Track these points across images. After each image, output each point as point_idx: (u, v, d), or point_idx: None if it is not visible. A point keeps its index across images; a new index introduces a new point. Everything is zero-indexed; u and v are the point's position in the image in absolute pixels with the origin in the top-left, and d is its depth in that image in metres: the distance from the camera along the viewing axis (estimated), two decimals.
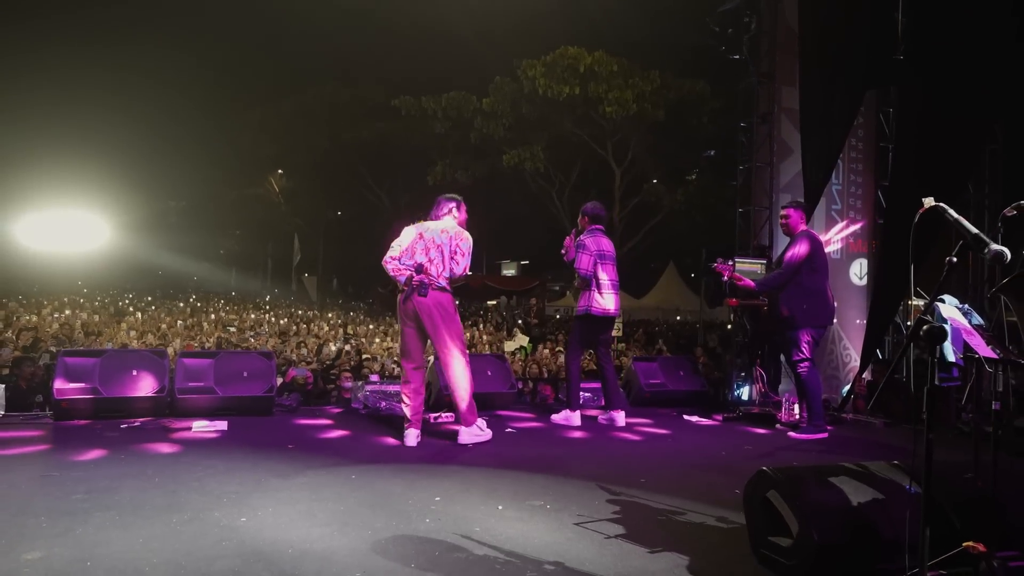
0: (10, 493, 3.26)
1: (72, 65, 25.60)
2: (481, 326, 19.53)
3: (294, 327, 15.42)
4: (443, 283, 4.86)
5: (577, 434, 5.48)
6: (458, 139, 22.23)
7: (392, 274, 4.88)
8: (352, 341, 12.90)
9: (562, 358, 12.02)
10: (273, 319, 17.53)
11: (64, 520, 2.83)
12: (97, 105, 26.57)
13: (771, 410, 6.42)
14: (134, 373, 5.49)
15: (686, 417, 6.34)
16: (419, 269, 4.77)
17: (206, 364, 5.77)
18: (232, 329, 14.00)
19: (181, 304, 21.38)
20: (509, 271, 35.90)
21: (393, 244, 4.95)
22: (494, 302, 30.33)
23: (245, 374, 5.81)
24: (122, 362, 5.58)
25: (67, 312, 14.83)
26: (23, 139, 24.96)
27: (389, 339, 14.16)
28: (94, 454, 4.15)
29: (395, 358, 11.40)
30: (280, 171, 34.25)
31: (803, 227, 5.76)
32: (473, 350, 14.29)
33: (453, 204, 5.11)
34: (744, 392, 7.43)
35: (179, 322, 14.88)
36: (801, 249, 5.57)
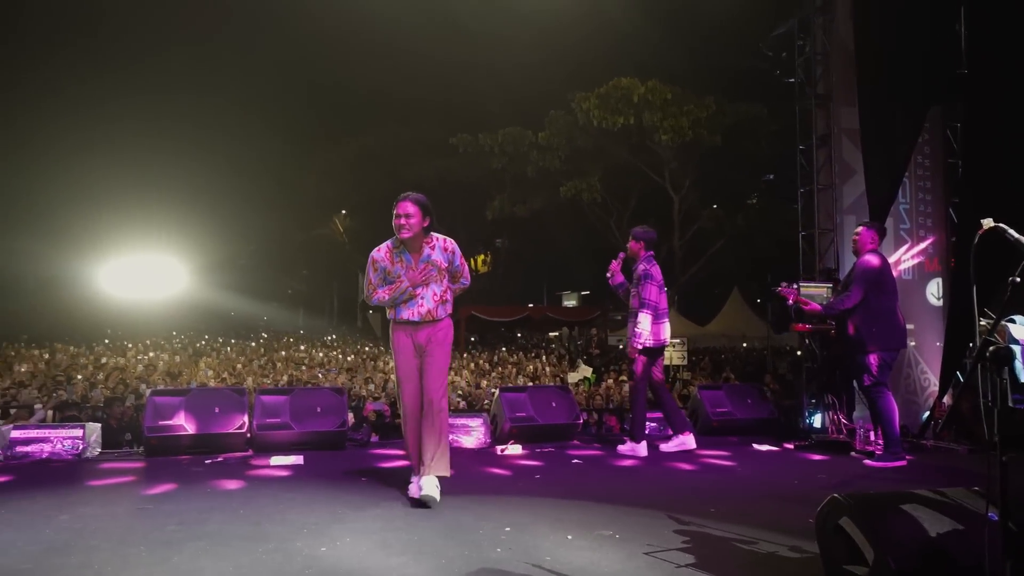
0: (111, 524, 3.49)
1: (149, 116, 27.16)
2: (544, 357, 19.58)
3: (361, 363, 15.80)
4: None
5: (644, 465, 5.46)
6: (515, 173, 22.58)
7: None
8: None
9: (626, 388, 11.97)
10: (340, 356, 18.01)
11: (161, 550, 3.03)
12: (175, 155, 28.03)
13: (845, 438, 6.25)
14: (217, 410, 5.77)
15: (755, 446, 6.23)
16: None
17: (282, 400, 6.02)
18: (303, 367, 14.45)
19: (253, 344, 22.19)
20: (570, 302, 35.90)
21: None
22: (556, 333, 30.35)
23: (319, 409, 6.03)
24: (206, 400, 5.88)
25: (151, 354, 15.61)
26: (108, 189, 26.45)
27: (452, 372, 14.37)
28: (183, 488, 4.39)
29: (458, 392, 11.57)
30: (344, 211, 35.38)
31: (871, 247, 5.66)
32: (536, 382, 14.35)
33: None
34: (816, 419, 7.24)
35: (253, 361, 15.46)
36: (867, 269, 5.48)
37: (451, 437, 6.39)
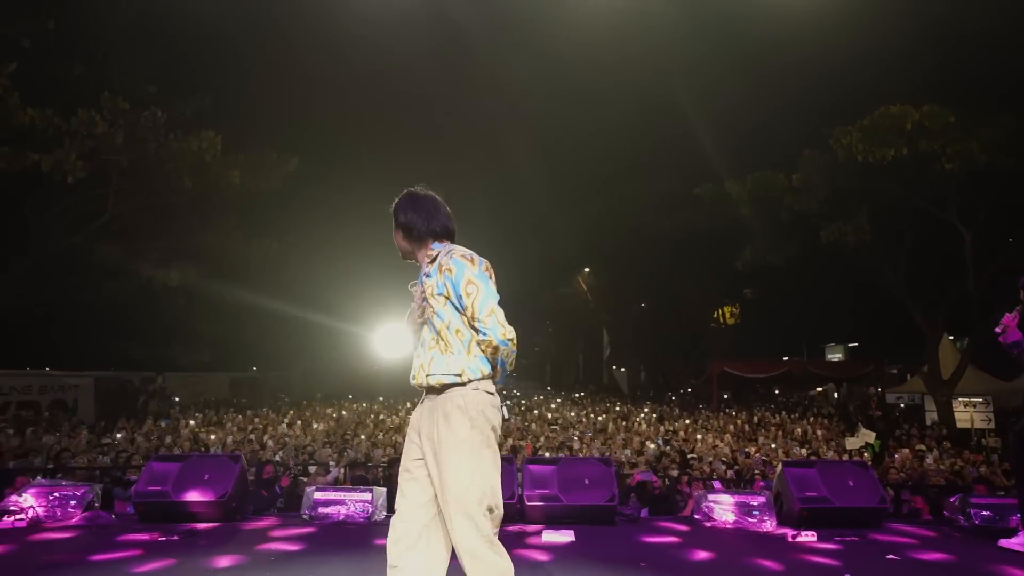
0: None
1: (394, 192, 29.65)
2: (811, 419, 17.73)
3: (613, 423, 15.50)
4: None
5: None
6: (766, 219, 21.18)
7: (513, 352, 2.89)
8: (672, 440, 12.50)
9: (929, 459, 10.21)
10: (591, 414, 17.89)
11: None
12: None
13: None
14: None
15: None
16: None
17: (549, 471, 5.88)
18: (556, 427, 14.52)
19: (508, 402, 23.02)
20: (835, 355, 32.49)
21: (495, 292, 2.92)
22: (820, 390, 27.57)
23: (587, 481, 5.79)
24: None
25: None
26: (378, 262, 29.39)
27: (711, 436, 13.46)
28: None
29: (722, 458, 10.70)
30: (587, 269, 36.00)
31: None
32: (807, 447, 12.88)
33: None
34: None
35: (513, 420, 15.92)
36: None
37: (733, 517, 5.77)
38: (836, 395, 26.27)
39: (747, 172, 21.29)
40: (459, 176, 27.29)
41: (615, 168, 27.72)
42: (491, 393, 2.85)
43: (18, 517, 5.24)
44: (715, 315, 35.02)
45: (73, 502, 5.45)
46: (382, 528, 5.49)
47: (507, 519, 5.55)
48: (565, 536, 5.08)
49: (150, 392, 20.38)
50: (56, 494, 5.46)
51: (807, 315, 28.37)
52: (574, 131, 26.92)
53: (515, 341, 2.84)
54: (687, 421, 16.51)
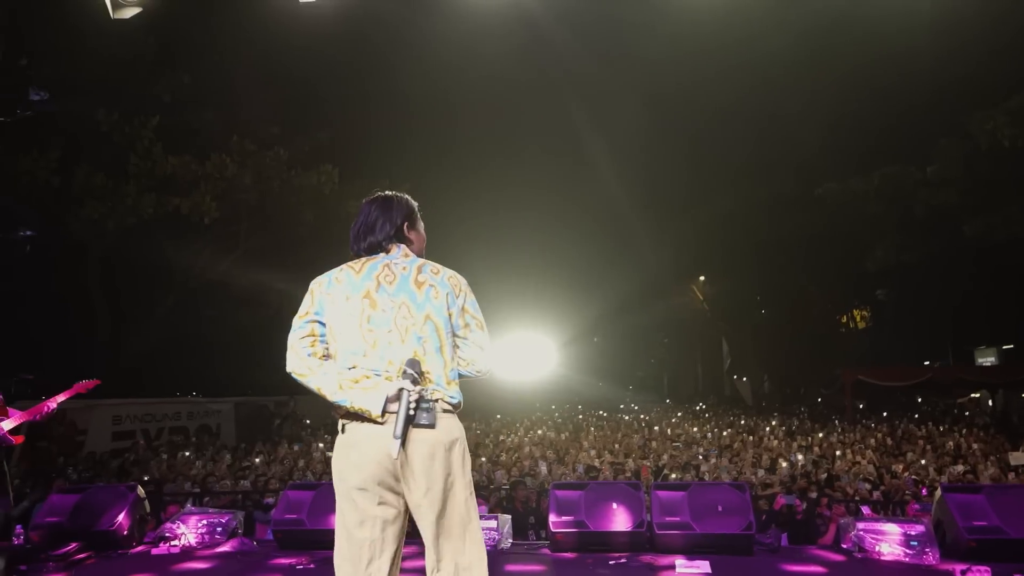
0: None
1: (520, 207, 29.48)
2: (963, 431, 16.21)
3: (739, 439, 14.80)
4: (452, 393, 2.61)
5: None
6: (898, 216, 19.73)
7: (310, 382, 2.54)
8: (810, 455, 11.73)
9: None
10: (716, 429, 17.18)
11: None
12: (542, 239, 30.13)
13: None
14: (615, 506, 5.60)
15: None
16: (413, 370, 2.48)
17: (679, 497, 5.62)
18: (679, 445, 14.02)
19: (627, 417, 22.55)
20: (986, 359, 29.63)
21: (300, 313, 2.66)
22: (972, 397, 25.26)
23: (720, 508, 5.48)
24: (603, 495, 5.77)
25: (538, 432, 16.77)
26: (492, 277, 29.57)
27: (850, 452, 12.54)
28: None
29: (866, 477, 9.92)
30: (702, 278, 34.90)
31: None
32: (961, 461, 11.73)
33: (399, 215, 2.80)
34: None
35: (626, 438, 15.55)
36: None
37: (885, 548, 5.28)
38: (991, 403, 23.93)
39: (871, 169, 19.97)
40: (567, 188, 27.21)
41: (728, 172, 26.74)
42: (343, 432, 2.58)
43: (172, 544, 5.58)
44: (843, 319, 32.95)
45: (219, 529, 5.76)
46: (509, 557, 5.44)
47: (637, 548, 5.36)
48: (700, 567, 4.82)
49: (284, 415, 21.49)
50: (204, 521, 5.78)
51: (949, 316, 26.11)
52: (686, 136, 26.18)
53: (299, 373, 2.57)
54: (820, 435, 15.51)
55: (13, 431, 5.23)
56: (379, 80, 18.83)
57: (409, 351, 2.53)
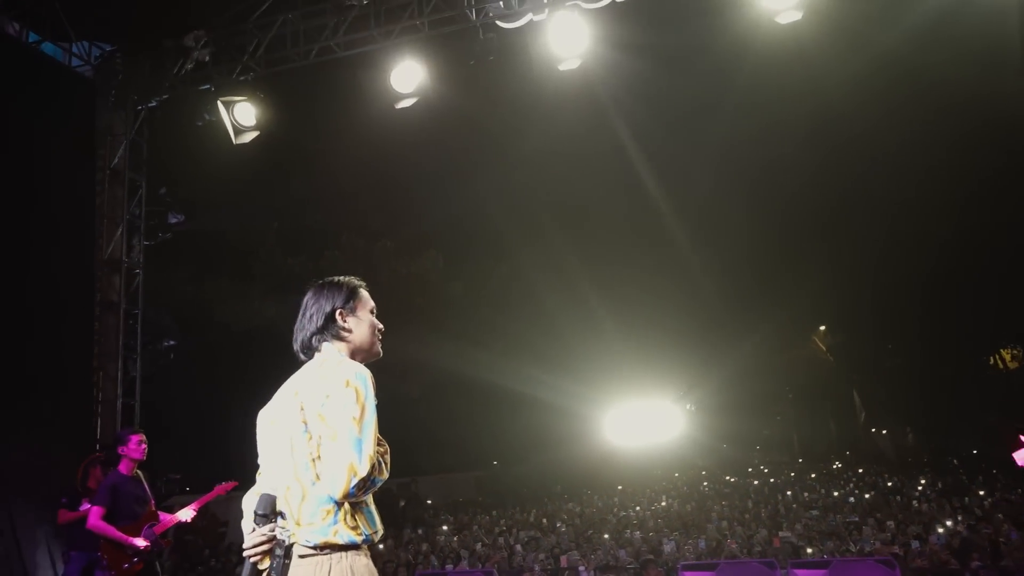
0: None
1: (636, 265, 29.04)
2: None
3: (885, 502, 13.63)
4: (316, 532, 2.05)
5: None
6: None
7: None
8: (968, 518, 10.61)
9: None
10: (856, 491, 15.92)
11: None
12: (660, 300, 29.49)
13: None
14: None
15: None
16: (266, 511, 2.10)
17: None
18: (815, 512, 13.08)
19: (756, 482, 21.33)
20: None
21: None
22: None
23: None
24: (733, 575, 5.47)
25: (662, 503, 16.13)
26: (608, 340, 29.18)
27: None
28: None
29: None
30: (822, 327, 33.14)
31: None
32: None
33: (328, 300, 2.39)
34: None
35: (758, 505, 14.66)
36: None
37: None
38: None
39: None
40: (673, 247, 26.81)
41: (849, 210, 25.38)
42: None
43: None
44: (991, 360, 30.08)
45: None
46: None
47: None
48: None
49: (408, 497, 21.83)
50: None
51: None
52: (795, 187, 25.23)
53: None
54: (981, 492, 14.03)
55: (163, 535, 5.64)
56: (469, 169, 19.70)
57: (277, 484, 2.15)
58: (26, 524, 7.78)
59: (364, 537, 2.08)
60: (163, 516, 5.69)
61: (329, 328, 2.33)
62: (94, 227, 9.37)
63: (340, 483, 1.99)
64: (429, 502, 23.50)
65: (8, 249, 8.01)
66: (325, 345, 2.32)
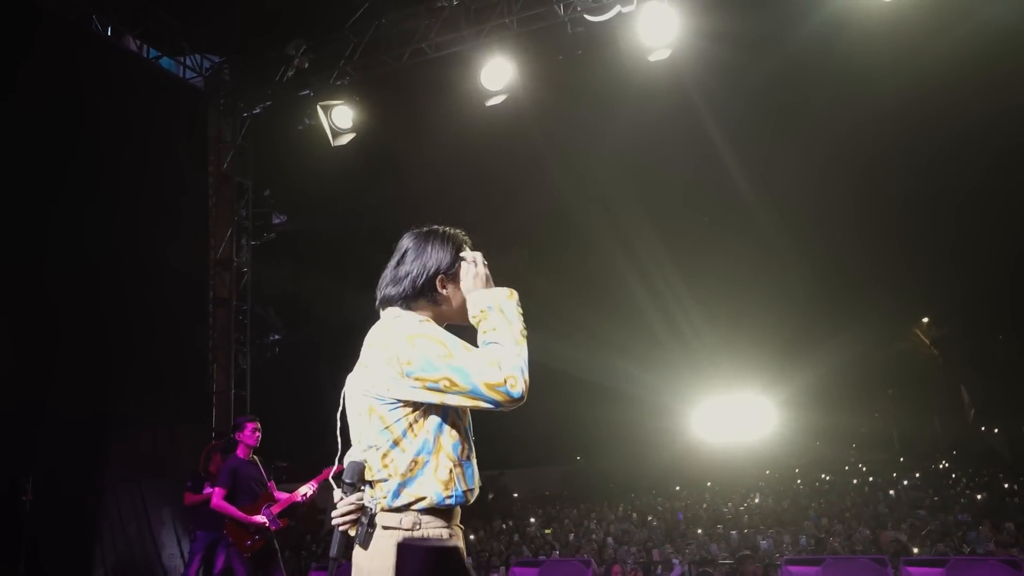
0: None
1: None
2: None
3: (1002, 505, 12.84)
4: (399, 503, 1.97)
5: None
6: None
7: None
8: None
9: None
10: (968, 491, 15.06)
11: None
12: (748, 290, 28.71)
13: None
14: None
15: None
16: (353, 479, 2.04)
17: (937, 575, 5.05)
18: (922, 512, 12.46)
19: (855, 480, 20.51)
20: None
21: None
22: None
23: None
24: (843, 572, 5.34)
25: (756, 499, 15.76)
26: (702, 336, 28.65)
27: None
28: None
29: None
30: (925, 319, 31.42)
31: None
32: None
33: (433, 257, 2.15)
34: None
35: (856, 505, 14.08)
36: None
37: None
38: None
39: None
40: (767, 240, 26.05)
41: (948, 198, 23.96)
42: None
43: None
44: None
45: None
46: None
47: None
48: None
49: (496, 490, 22.17)
50: None
51: None
52: (898, 170, 24.01)
53: None
54: None
55: (280, 515, 6.02)
56: (557, 165, 19.77)
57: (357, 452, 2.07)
58: (155, 506, 8.43)
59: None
60: (280, 495, 6.06)
61: (425, 293, 2.09)
62: (207, 228, 10.01)
63: (496, 398, 1.88)
64: (516, 495, 23.78)
65: (132, 251, 8.69)
66: (407, 310, 2.10)
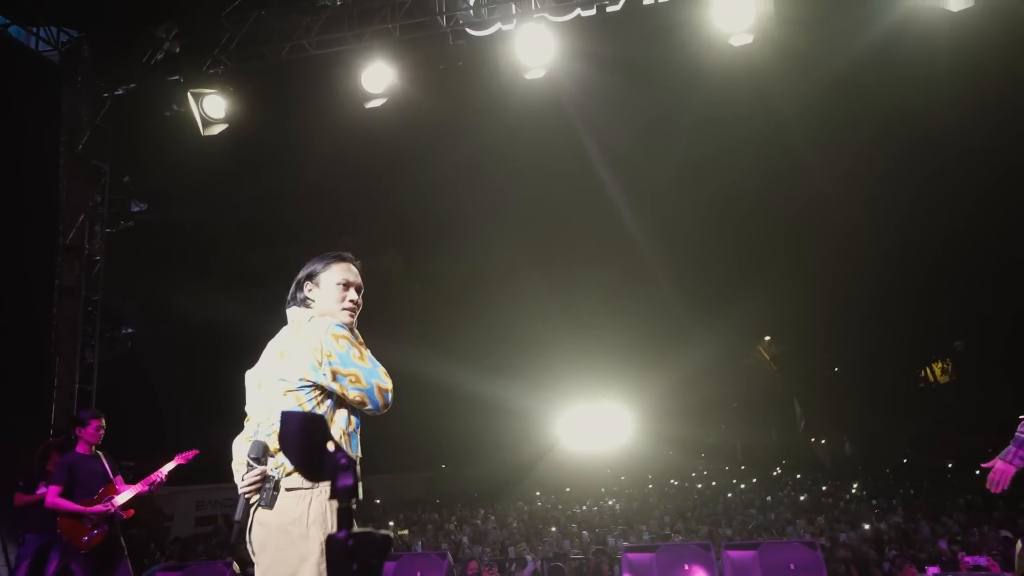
0: None
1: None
2: None
3: (818, 503, 14.35)
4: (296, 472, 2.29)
5: None
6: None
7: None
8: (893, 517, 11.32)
9: None
10: (792, 493, 16.68)
11: None
12: (610, 307, 29.91)
13: None
14: (686, 567, 5.71)
15: None
16: (258, 455, 2.39)
17: (751, 557, 5.69)
18: (753, 511, 13.70)
19: (700, 485, 22.01)
20: None
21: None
22: None
23: (792, 567, 5.52)
24: (675, 557, 5.89)
25: (611, 502, 16.60)
26: (562, 346, 29.45)
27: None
28: None
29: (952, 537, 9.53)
30: (767, 337, 34.23)
31: None
32: None
33: (305, 268, 2.76)
34: None
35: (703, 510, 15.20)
36: None
37: None
38: None
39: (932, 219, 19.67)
40: (630, 255, 27.40)
41: (793, 226, 26.31)
42: None
43: None
44: (923, 374, 31.62)
45: None
46: None
47: None
48: None
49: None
50: None
51: None
52: (746, 198, 26.01)
53: None
54: (912, 492, 14.89)
55: (123, 506, 5.71)
56: (434, 171, 19.96)
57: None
58: None
59: None
60: (124, 487, 5.72)
61: (296, 296, 2.67)
62: (57, 212, 9.35)
63: (379, 401, 2.45)
64: (378, 501, 23.52)
65: None
66: (295, 309, 2.65)
